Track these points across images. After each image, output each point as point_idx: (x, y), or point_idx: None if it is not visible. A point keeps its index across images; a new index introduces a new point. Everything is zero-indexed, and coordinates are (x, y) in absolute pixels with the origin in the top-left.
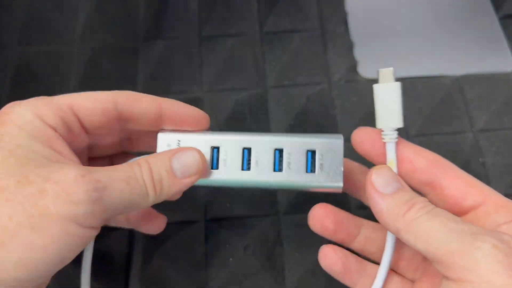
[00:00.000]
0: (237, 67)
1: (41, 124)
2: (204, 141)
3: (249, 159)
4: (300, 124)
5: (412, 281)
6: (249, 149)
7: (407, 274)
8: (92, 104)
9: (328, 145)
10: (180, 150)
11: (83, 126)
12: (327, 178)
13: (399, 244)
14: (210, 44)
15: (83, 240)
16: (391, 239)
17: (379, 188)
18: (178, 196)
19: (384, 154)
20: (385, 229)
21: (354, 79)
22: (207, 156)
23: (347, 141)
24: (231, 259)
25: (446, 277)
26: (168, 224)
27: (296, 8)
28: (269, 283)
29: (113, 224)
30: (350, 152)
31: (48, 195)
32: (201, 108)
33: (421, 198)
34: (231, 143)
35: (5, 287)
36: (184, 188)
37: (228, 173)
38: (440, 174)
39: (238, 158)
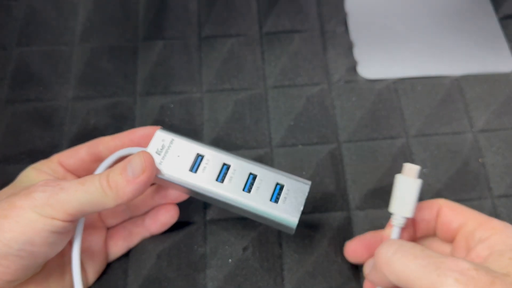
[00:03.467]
0: (237, 67)
1: (36, 171)
2: (192, 147)
3: (225, 174)
4: (300, 124)
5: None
6: (228, 166)
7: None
8: (70, 153)
9: (296, 185)
10: (133, 155)
11: (68, 170)
12: (286, 211)
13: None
14: (209, 44)
15: (47, 227)
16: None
17: (366, 273)
18: (137, 194)
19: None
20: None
21: (353, 80)
22: (191, 160)
23: (348, 142)
24: (230, 260)
25: None
26: None
27: (296, 8)
28: (268, 284)
29: (135, 241)
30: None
31: (17, 195)
32: (201, 108)
33: (385, 242)
34: (214, 156)
35: None
36: (140, 187)
37: (203, 179)
38: (434, 213)
39: (216, 170)
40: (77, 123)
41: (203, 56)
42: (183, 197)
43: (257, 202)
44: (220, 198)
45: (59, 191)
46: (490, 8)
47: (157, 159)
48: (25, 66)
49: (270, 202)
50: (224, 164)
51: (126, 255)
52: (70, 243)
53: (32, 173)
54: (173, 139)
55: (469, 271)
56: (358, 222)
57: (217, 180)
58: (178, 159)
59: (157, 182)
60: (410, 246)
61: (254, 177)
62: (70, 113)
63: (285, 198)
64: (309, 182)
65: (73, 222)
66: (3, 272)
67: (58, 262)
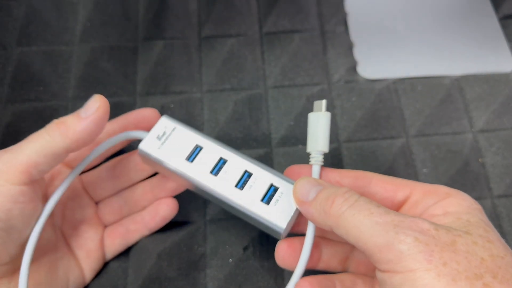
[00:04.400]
0: (237, 67)
1: None
2: (193, 137)
3: (221, 168)
4: (300, 124)
5: (372, 277)
6: (225, 161)
7: (367, 273)
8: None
9: (291, 189)
10: (89, 100)
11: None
12: (275, 215)
13: (352, 250)
14: (209, 44)
15: (8, 197)
16: (311, 227)
17: (303, 199)
18: (89, 134)
19: None
20: (340, 243)
21: (353, 80)
22: (189, 150)
23: (348, 142)
24: (230, 259)
25: (376, 268)
26: (168, 224)
27: (296, 8)
28: (269, 284)
29: (133, 239)
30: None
31: None
32: (201, 109)
33: (342, 190)
34: (213, 149)
35: None
36: (92, 125)
37: (198, 170)
38: (367, 184)
39: (212, 162)
40: None
41: (203, 56)
42: (182, 188)
43: (248, 201)
44: (211, 192)
45: (2, 153)
46: (490, 8)
47: (156, 144)
48: (25, 66)
49: (261, 203)
50: (221, 158)
51: (126, 254)
52: (64, 237)
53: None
54: (175, 127)
55: (429, 231)
56: None
57: (211, 172)
58: (177, 147)
59: (152, 167)
60: (366, 201)
61: (250, 175)
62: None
63: (277, 200)
64: None
65: (33, 185)
66: None
67: (51, 257)
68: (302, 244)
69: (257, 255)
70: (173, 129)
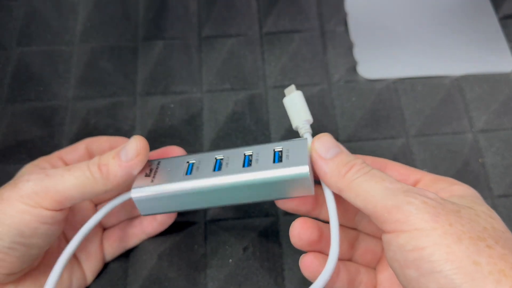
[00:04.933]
0: (237, 67)
1: (34, 167)
2: (180, 159)
3: (221, 164)
4: None
5: (374, 269)
6: (221, 159)
7: (371, 264)
8: (70, 149)
9: (293, 144)
10: (128, 141)
11: (67, 165)
12: (294, 164)
13: (357, 237)
14: (209, 45)
15: (35, 218)
16: (330, 196)
17: (321, 154)
18: (128, 179)
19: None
20: (350, 229)
21: (353, 80)
22: (183, 169)
23: (349, 142)
24: (230, 260)
25: (383, 231)
26: None
27: (296, 8)
28: (269, 284)
29: (132, 243)
30: None
31: (3, 188)
32: (201, 109)
33: (359, 160)
34: (204, 156)
35: None
36: (132, 170)
37: (201, 175)
38: (383, 168)
39: (210, 165)
40: (77, 123)
41: (203, 56)
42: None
43: (262, 170)
44: (224, 185)
45: (44, 178)
46: (490, 8)
47: (147, 181)
48: (25, 66)
49: (274, 164)
50: (216, 158)
51: (126, 255)
52: (65, 238)
53: (31, 169)
54: (160, 161)
55: (436, 198)
56: None
57: (214, 170)
58: (170, 171)
59: (154, 210)
60: (379, 171)
61: (250, 155)
62: (70, 113)
63: (287, 156)
64: (305, 138)
65: (62, 211)
66: None
67: (56, 259)
68: (315, 223)
69: (257, 255)
70: (158, 163)
